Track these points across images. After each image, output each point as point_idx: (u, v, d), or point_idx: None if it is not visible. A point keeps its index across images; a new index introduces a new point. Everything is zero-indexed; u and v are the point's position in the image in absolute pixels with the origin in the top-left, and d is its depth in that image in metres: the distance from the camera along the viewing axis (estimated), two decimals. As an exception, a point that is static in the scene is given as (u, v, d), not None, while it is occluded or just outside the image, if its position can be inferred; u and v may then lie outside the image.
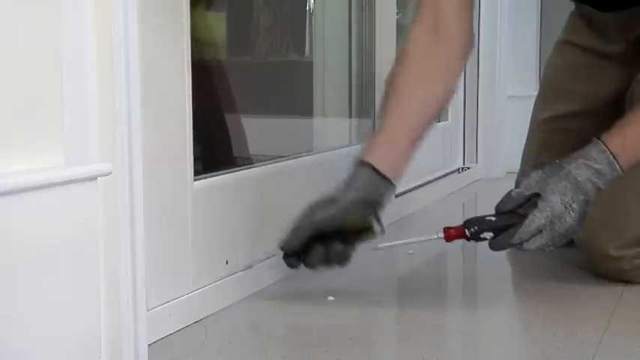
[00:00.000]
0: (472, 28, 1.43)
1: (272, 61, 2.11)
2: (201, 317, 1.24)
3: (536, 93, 1.89)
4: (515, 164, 1.90)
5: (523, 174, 1.78)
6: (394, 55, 2.10)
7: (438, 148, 2.57)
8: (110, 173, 0.91)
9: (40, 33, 0.86)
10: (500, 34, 2.73)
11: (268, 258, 1.41)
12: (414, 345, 1.15)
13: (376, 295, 1.35)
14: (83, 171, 0.88)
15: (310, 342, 1.17)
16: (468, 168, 2.74)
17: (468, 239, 1.29)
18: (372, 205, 1.31)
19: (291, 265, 1.30)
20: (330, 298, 1.33)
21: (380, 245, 1.33)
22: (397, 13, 2.19)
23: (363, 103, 2.06)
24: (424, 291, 1.45)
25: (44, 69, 0.86)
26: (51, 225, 0.84)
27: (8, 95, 0.82)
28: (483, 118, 2.74)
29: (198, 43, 1.46)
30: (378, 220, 1.31)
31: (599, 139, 1.30)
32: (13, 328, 0.80)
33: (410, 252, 1.68)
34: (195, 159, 1.24)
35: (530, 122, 1.84)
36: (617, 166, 1.29)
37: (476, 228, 1.28)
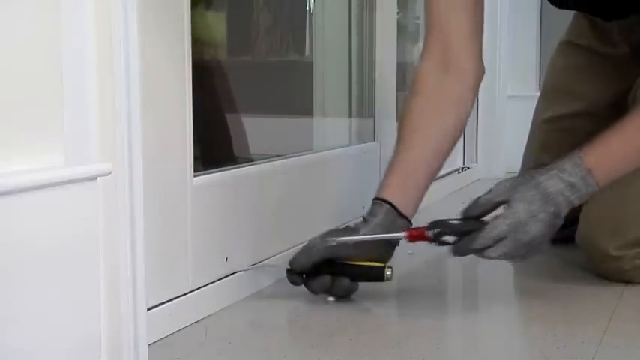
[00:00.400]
0: (481, 56, 1.44)
1: (272, 61, 2.10)
2: (201, 317, 1.24)
3: (536, 93, 1.89)
4: (515, 164, 1.90)
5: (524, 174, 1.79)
6: (394, 55, 2.12)
7: (438, 148, 2.57)
8: (110, 173, 0.91)
9: (40, 33, 0.86)
10: (500, 34, 2.73)
11: (266, 259, 1.41)
12: (414, 345, 1.15)
13: (376, 295, 1.34)
14: (83, 171, 0.88)
15: (310, 342, 1.17)
16: (468, 168, 2.74)
17: (430, 241, 1.28)
18: (390, 245, 1.32)
19: (293, 282, 1.32)
20: (330, 298, 1.33)
21: (337, 239, 1.31)
22: (397, 13, 2.19)
23: (363, 103, 2.06)
24: (424, 291, 1.45)
25: (44, 69, 0.86)
26: (51, 225, 0.84)
27: (8, 95, 0.82)
28: (483, 118, 2.74)
29: (198, 43, 1.46)
30: (390, 254, 1.32)
31: (574, 152, 1.27)
32: (13, 328, 0.80)
33: (410, 252, 1.67)
34: (195, 159, 1.24)
35: (532, 122, 1.84)
36: (592, 181, 1.26)
37: (438, 230, 1.27)
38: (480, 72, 1.44)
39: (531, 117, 1.86)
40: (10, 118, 0.82)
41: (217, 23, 1.87)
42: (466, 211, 1.28)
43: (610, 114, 1.61)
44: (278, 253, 1.45)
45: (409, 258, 1.65)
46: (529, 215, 1.22)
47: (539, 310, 1.34)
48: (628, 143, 1.32)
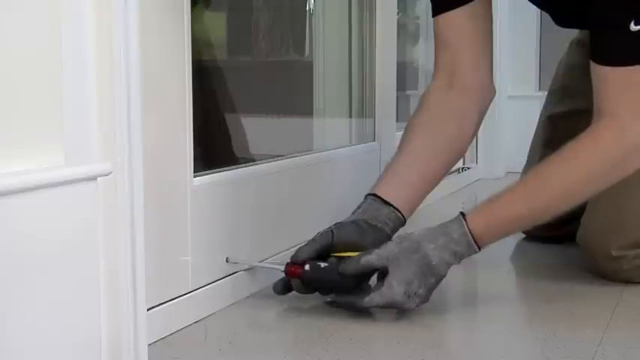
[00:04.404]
0: (490, 76, 1.45)
1: (272, 61, 2.10)
2: (202, 317, 1.24)
3: (536, 93, 1.90)
4: (515, 164, 1.90)
5: (528, 170, 1.78)
6: (395, 55, 2.12)
7: (438, 148, 2.57)
8: (110, 173, 0.91)
9: (41, 33, 0.86)
10: (500, 34, 2.72)
11: (266, 259, 1.42)
12: (414, 345, 1.15)
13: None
14: (83, 171, 0.88)
15: (310, 342, 1.17)
16: (468, 168, 2.74)
17: (303, 282, 1.28)
18: (379, 231, 1.32)
19: (278, 289, 1.31)
20: (330, 298, 1.33)
21: (233, 260, 1.33)
22: (397, 14, 2.19)
23: (363, 103, 2.06)
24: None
25: (44, 69, 0.86)
26: (51, 225, 0.84)
27: (8, 95, 0.82)
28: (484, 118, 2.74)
29: (198, 43, 1.46)
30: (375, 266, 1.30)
31: (464, 218, 1.25)
32: (12, 327, 0.80)
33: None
34: (195, 159, 1.24)
35: (539, 118, 1.84)
36: (475, 248, 1.25)
37: (311, 276, 1.27)
38: (488, 91, 1.45)
39: (531, 117, 1.86)
40: (11, 118, 0.82)
41: (217, 23, 1.87)
42: (345, 266, 1.26)
43: None
44: (278, 253, 1.45)
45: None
46: (407, 296, 1.22)
47: (539, 310, 1.34)
48: (520, 206, 1.29)
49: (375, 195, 1.34)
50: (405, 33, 2.62)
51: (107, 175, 0.91)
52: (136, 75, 0.96)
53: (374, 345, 1.17)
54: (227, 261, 1.32)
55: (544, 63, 2.88)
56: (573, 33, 1.82)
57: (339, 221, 1.33)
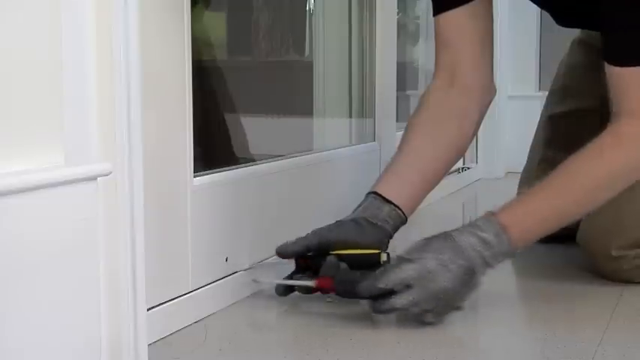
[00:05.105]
0: (490, 76, 1.45)
1: (272, 61, 2.10)
2: (202, 317, 1.24)
3: (536, 93, 1.90)
4: (515, 164, 1.90)
5: (528, 170, 1.79)
6: (395, 55, 2.12)
7: (438, 148, 2.57)
8: (110, 173, 0.91)
9: (41, 33, 0.86)
10: (501, 34, 2.72)
11: (268, 258, 1.41)
12: (413, 345, 1.15)
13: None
14: (83, 171, 0.88)
15: (310, 342, 1.17)
16: (468, 168, 2.74)
17: (336, 293, 1.26)
18: (379, 234, 1.31)
19: (279, 291, 1.30)
20: (330, 298, 1.33)
21: (259, 280, 1.32)
22: (397, 14, 2.19)
23: (363, 103, 2.06)
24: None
25: (44, 69, 0.86)
26: (51, 225, 0.84)
27: (8, 95, 0.82)
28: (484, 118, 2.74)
29: (197, 42, 1.46)
30: (385, 247, 1.30)
31: (493, 210, 1.25)
32: (12, 328, 0.80)
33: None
34: (195, 159, 1.24)
35: (539, 118, 1.85)
36: (506, 238, 1.22)
37: (345, 289, 1.24)
38: (488, 90, 1.45)
39: (531, 117, 1.86)
40: (11, 118, 0.82)
41: (217, 23, 1.87)
42: (381, 275, 1.22)
43: None
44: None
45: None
46: (438, 263, 1.18)
47: (539, 310, 1.34)
48: (546, 203, 1.29)
49: (375, 193, 1.34)
50: (405, 33, 2.62)
51: (107, 175, 0.91)
52: (136, 75, 0.96)
53: (374, 345, 1.17)
54: (254, 281, 1.33)
55: (544, 63, 2.88)
56: (574, 33, 1.82)
57: (339, 219, 1.33)
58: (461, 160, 2.75)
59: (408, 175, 1.38)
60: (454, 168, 2.67)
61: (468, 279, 1.21)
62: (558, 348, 1.14)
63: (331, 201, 1.67)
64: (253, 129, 1.85)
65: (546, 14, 1.71)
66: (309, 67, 2.08)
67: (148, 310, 1.03)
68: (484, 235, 1.22)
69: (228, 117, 1.82)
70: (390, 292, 1.19)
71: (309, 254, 1.30)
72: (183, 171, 1.22)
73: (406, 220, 1.36)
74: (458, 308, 1.23)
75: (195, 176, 1.24)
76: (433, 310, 1.20)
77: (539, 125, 1.84)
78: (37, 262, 0.82)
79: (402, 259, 1.21)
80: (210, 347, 1.14)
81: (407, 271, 1.18)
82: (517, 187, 1.78)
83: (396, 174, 1.38)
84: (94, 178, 0.89)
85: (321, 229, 1.31)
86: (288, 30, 2.15)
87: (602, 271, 1.47)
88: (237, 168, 1.42)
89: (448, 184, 2.49)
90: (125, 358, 0.97)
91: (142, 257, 0.98)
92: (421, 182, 1.39)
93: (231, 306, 1.31)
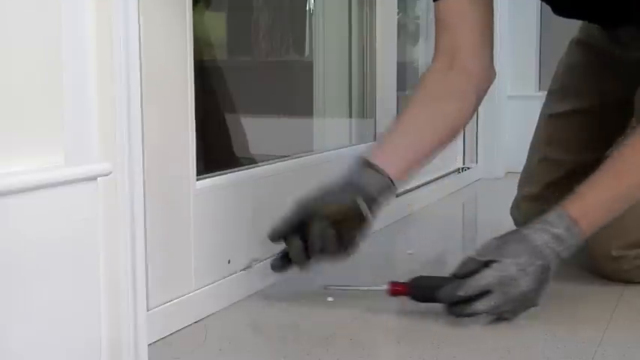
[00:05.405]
0: (490, 61, 1.44)
1: (272, 61, 2.10)
2: (202, 317, 1.24)
3: (536, 93, 1.89)
4: (515, 164, 1.90)
5: (528, 169, 1.79)
6: (395, 55, 2.12)
7: (438, 148, 2.57)
8: (110, 173, 0.91)
9: (41, 33, 0.86)
10: (500, 34, 2.73)
11: (268, 258, 1.41)
12: (414, 345, 1.15)
13: (376, 294, 1.34)
14: (83, 171, 0.88)
15: (310, 342, 1.16)
16: (468, 168, 2.74)
17: (411, 297, 1.27)
18: (358, 189, 1.29)
19: (275, 267, 1.29)
20: (330, 298, 1.33)
21: (330, 286, 1.33)
22: (397, 13, 2.19)
23: (363, 103, 2.06)
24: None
25: (44, 69, 0.86)
26: (51, 225, 0.84)
27: (8, 95, 0.82)
28: (483, 118, 2.74)
29: (198, 42, 1.46)
30: (370, 208, 1.29)
31: (558, 204, 1.26)
32: (12, 328, 0.80)
33: (410, 252, 1.68)
34: (196, 159, 1.24)
35: (539, 117, 1.85)
36: (577, 231, 1.24)
37: (420, 294, 1.26)
38: (487, 74, 1.45)
39: (531, 117, 1.86)
40: (11, 118, 0.82)
41: (217, 23, 1.87)
42: (455, 272, 1.25)
43: (617, 113, 1.62)
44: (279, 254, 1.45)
45: (409, 258, 1.65)
46: (518, 269, 1.20)
47: (539, 310, 1.34)
48: (610, 191, 1.29)
49: (363, 159, 1.33)
50: (405, 33, 2.62)
51: (107, 175, 0.91)
52: (136, 75, 0.96)
53: (374, 345, 1.17)
54: (324, 288, 1.33)
55: (544, 63, 2.88)
56: (573, 32, 1.82)
57: (322, 185, 1.31)
58: (461, 160, 2.76)
59: (399, 144, 1.36)
60: (454, 168, 2.68)
61: (544, 277, 1.23)
62: (558, 348, 1.14)
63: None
64: (253, 129, 1.85)
65: (546, 14, 1.71)
66: (309, 67, 2.08)
67: (148, 310, 1.03)
68: (556, 231, 1.24)
69: (228, 117, 1.82)
70: (469, 298, 1.21)
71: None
72: (185, 174, 1.22)
73: (394, 186, 1.33)
74: (534, 306, 1.24)
75: (197, 180, 1.25)
76: (510, 311, 1.23)
77: (538, 125, 1.84)
78: (37, 262, 0.82)
79: (476, 262, 1.23)
80: (210, 347, 1.14)
81: (487, 278, 1.21)
82: (516, 186, 1.78)
83: (387, 142, 1.37)
84: (94, 178, 0.89)
85: (302, 198, 1.29)
86: (288, 30, 2.15)
87: (602, 271, 1.47)
88: (238, 171, 1.42)
89: (448, 184, 2.49)
90: (125, 358, 0.97)
91: (142, 257, 0.98)
92: (413, 153, 1.37)
93: (232, 306, 1.31)
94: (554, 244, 1.23)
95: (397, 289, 1.28)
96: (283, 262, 1.29)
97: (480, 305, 1.21)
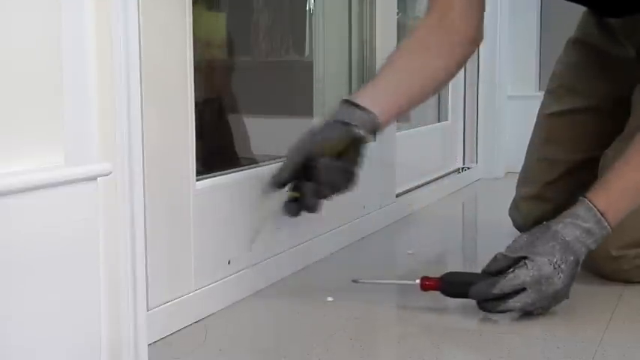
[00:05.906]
0: (480, 25, 1.45)
1: (272, 61, 2.10)
2: (202, 317, 1.24)
3: (536, 93, 1.89)
4: (515, 164, 1.90)
5: (526, 169, 1.79)
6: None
7: (438, 148, 2.57)
8: (110, 173, 0.91)
9: (41, 33, 0.86)
10: (500, 34, 2.73)
11: (268, 258, 1.41)
12: (414, 345, 1.15)
13: (376, 295, 1.35)
14: (83, 171, 0.88)
15: (310, 342, 1.17)
16: (468, 168, 2.73)
17: (443, 292, 1.28)
18: (347, 124, 1.29)
19: (290, 212, 1.28)
20: (330, 298, 1.33)
21: (361, 280, 1.34)
22: (397, 13, 2.19)
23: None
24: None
25: (44, 69, 0.86)
26: (51, 225, 0.84)
27: (8, 95, 0.82)
28: (483, 118, 2.74)
29: (198, 42, 1.46)
30: (361, 137, 1.29)
31: (584, 197, 1.28)
32: (13, 327, 0.80)
33: (410, 252, 1.68)
34: (197, 159, 1.24)
35: (537, 117, 1.85)
36: (606, 223, 1.27)
37: (453, 290, 1.27)
38: (475, 36, 1.45)
39: (531, 117, 1.86)
40: (10, 118, 0.82)
41: (217, 23, 1.87)
42: (485, 268, 1.27)
43: (615, 112, 1.62)
44: (279, 253, 1.45)
45: (409, 258, 1.65)
46: (552, 267, 1.22)
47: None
48: (634, 180, 1.31)
49: (347, 100, 1.33)
50: (405, 33, 2.62)
51: (107, 175, 0.91)
52: (135, 75, 0.96)
53: (374, 345, 1.17)
54: (354, 281, 1.34)
55: (544, 63, 2.87)
56: (573, 32, 1.82)
57: (312, 127, 1.31)
58: (461, 160, 2.75)
59: (384, 89, 1.36)
60: (454, 168, 2.68)
61: (575, 272, 1.25)
62: (558, 348, 1.14)
63: (331, 201, 1.66)
64: (253, 129, 1.85)
65: (546, 14, 1.71)
66: (309, 67, 2.07)
67: (148, 310, 1.03)
68: (586, 225, 1.26)
69: (229, 117, 1.82)
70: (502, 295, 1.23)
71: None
72: (185, 174, 1.22)
73: (380, 125, 1.33)
74: (566, 299, 1.26)
75: (197, 180, 1.25)
76: (543, 307, 1.25)
77: (536, 124, 1.84)
78: (37, 262, 0.82)
79: (508, 258, 1.24)
80: (210, 347, 1.14)
81: (521, 277, 1.22)
82: (515, 186, 1.78)
83: (372, 84, 1.38)
84: (94, 178, 0.89)
85: (298, 141, 1.29)
86: (288, 30, 2.15)
87: (602, 271, 1.47)
88: (239, 171, 1.42)
89: (448, 184, 2.49)
90: (125, 358, 0.97)
91: (142, 257, 0.98)
92: (397, 95, 1.37)
93: (232, 306, 1.31)
94: (585, 238, 1.26)
95: (429, 284, 1.28)
96: (294, 207, 1.28)
97: (514, 303, 1.22)
